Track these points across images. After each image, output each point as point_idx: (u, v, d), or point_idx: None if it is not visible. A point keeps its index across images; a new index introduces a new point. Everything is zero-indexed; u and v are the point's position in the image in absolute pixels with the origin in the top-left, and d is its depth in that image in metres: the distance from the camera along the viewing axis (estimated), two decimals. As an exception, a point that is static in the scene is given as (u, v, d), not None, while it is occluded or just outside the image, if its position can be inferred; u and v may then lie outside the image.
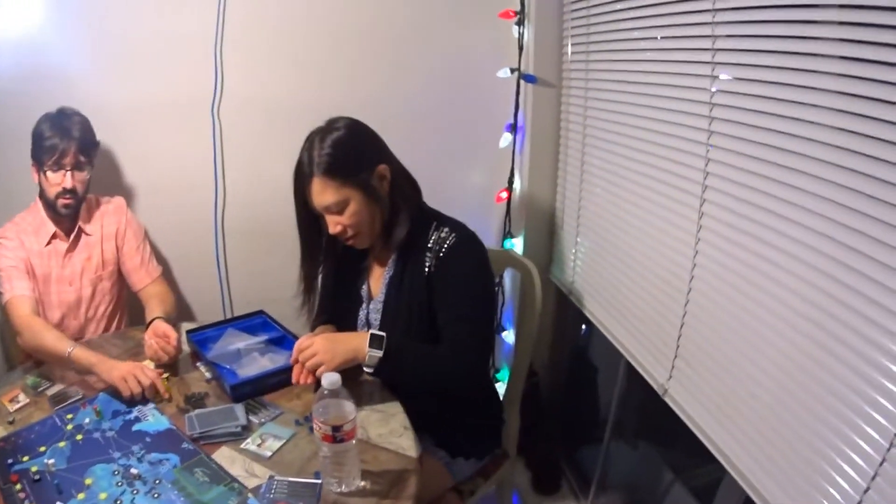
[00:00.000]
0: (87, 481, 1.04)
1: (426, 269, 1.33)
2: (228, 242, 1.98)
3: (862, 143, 0.85)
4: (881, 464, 0.82)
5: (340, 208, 1.26)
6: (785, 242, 1.02)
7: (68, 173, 1.52)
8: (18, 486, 1.03)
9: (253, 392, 1.31)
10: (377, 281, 1.43)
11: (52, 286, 1.61)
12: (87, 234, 1.65)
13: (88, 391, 1.32)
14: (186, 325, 1.59)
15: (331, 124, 1.28)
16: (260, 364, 1.41)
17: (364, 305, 1.44)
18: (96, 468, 1.08)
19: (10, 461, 1.10)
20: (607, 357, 1.82)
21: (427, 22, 1.91)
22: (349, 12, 1.85)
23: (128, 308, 1.79)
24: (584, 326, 2.06)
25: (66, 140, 1.50)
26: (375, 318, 1.42)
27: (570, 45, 1.86)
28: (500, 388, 1.90)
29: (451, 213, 1.43)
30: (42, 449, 1.13)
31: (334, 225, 1.28)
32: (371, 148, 1.31)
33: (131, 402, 1.28)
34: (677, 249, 1.33)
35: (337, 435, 0.99)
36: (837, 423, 0.90)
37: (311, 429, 1.18)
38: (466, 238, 1.35)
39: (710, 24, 1.17)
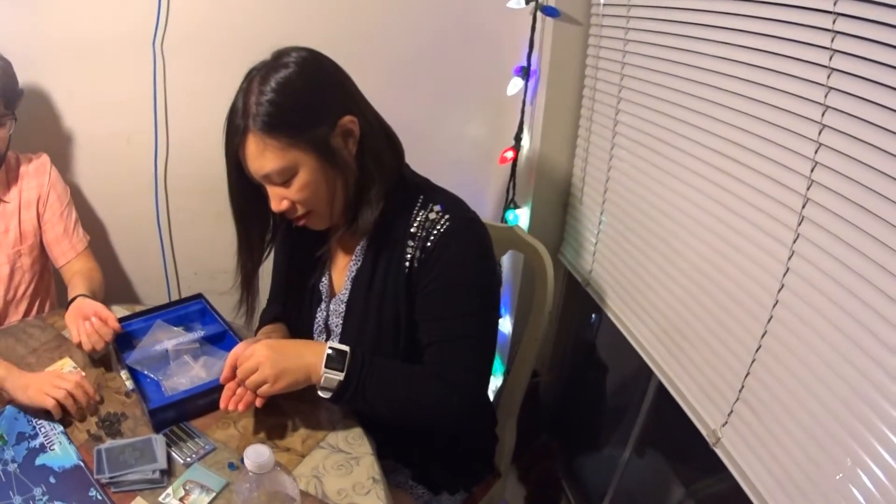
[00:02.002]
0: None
1: (407, 262, 1.00)
2: (171, 203, 1.64)
3: None
4: None
5: (286, 178, 0.92)
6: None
7: None
8: None
9: (178, 417, 1.01)
10: (340, 273, 1.10)
11: None
12: (4, 202, 1.33)
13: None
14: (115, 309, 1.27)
15: (278, 58, 0.92)
16: (191, 373, 1.11)
17: (323, 304, 1.12)
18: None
19: None
20: (628, 361, 1.53)
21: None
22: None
23: (53, 287, 1.50)
24: (593, 316, 1.78)
25: None
26: (336, 322, 1.10)
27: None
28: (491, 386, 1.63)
29: (439, 176, 1.09)
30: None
31: (278, 200, 0.95)
32: (332, 92, 0.94)
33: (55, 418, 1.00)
34: (758, 255, 1.00)
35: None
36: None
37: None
38: (465, 222, 1.00)
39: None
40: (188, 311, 1.27)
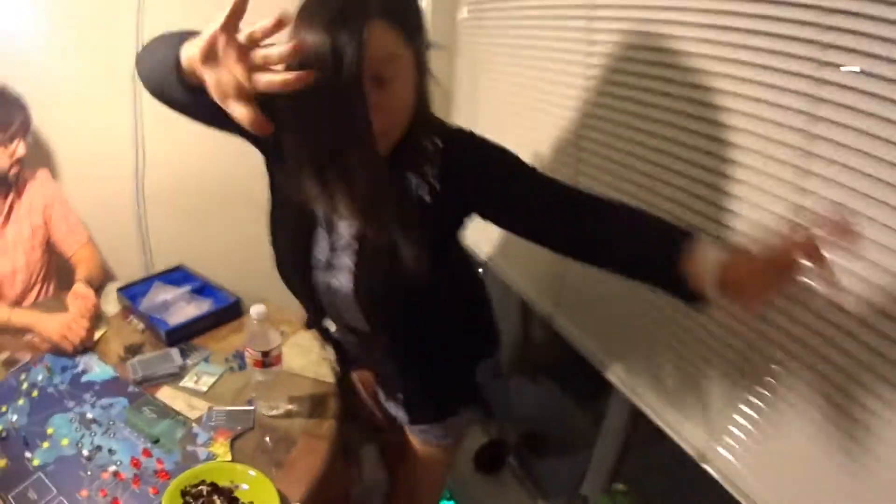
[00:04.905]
0: (49, 431, 1.23)
1: (419, 188, 0.96)
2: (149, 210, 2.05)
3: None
4: None
5: (391, 75, 0.84)
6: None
7: (22, 142, 1.62)
8: None
9: (185, 336, 1.51)
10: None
11: None
12: (18, 207, 1.73)
13: (35, 352, 1.47)
14: (116, 285, 1.74)
15: None
16: (187, 312, 1.60)
17: (321, 233, 1.07)
18: (55, 418, 1.27)
19: (-27, 423, 1.28)
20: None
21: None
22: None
23: (55, 273, 1.89)
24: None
25: (18, 111, 1.60)
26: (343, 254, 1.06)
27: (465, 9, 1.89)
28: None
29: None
30: (3, 409, 1.30)
31: (370, 104, 0.83)
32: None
33: (74, 353, 1.45)
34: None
35: (266, 360, 1.21)
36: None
37: (240, 365, 1.41)
38: (461, 132, 1.01)
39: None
40: (174, 276, 1.76)
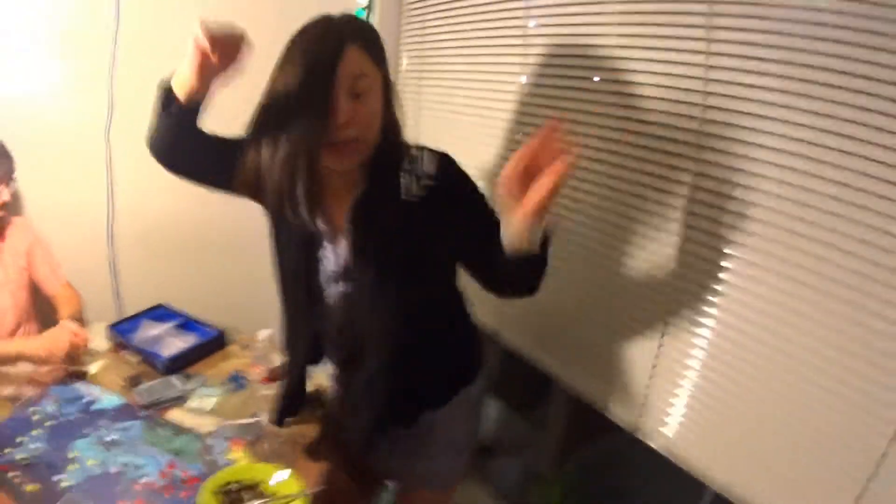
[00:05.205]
0: (73, 455, 1.36)
1: (403, 194, 1.12)
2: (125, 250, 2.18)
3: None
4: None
5: (364, 89, 1.05)
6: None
7: (6, 188, 1.73)
8: (12, 474, 1.30)
9: (180, 367, 1.68)
10: (340, 209, 1.17)
11: None
12: (2, 251, 1.83)
13: (39, 386, 1.58)
14: (103, 323, 1.86)
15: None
16: (177, 344, 1.77)
17: (328, 248, 1.20)
18: (76, 443, 1.39)
19: (-7, 454, 1.39)
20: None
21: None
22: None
23: (38, 315, 1.98)
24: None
25: (3, 158, 1.72)
26: (340, 259, 1.20)
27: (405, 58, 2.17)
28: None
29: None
30: (20, 440, 1.41)
31: (347, 111, 1.03)
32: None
33: (66, 367, 1.60)
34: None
35: (271, 376, 1.42)
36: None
37: (239, 385, 1.60)
38: (443, 154, 1.18)
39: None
40: (158, 313, 1.92)
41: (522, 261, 1.01)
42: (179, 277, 2.10)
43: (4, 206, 1.76)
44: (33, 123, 1.93)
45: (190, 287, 2.03)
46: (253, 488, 1.26)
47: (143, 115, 2.01)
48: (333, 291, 1.23)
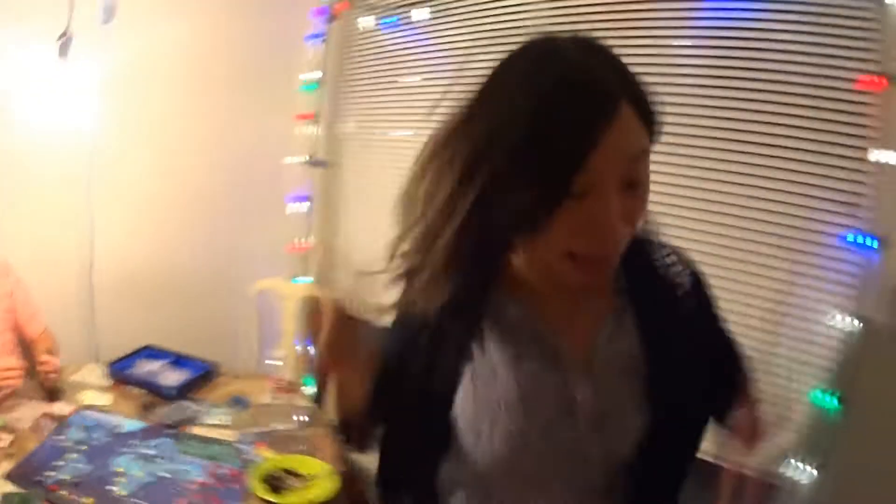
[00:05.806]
0: (119, 469, 1.57)
1: (666, 309, 0.83)
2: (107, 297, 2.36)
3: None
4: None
5: (643, 177, 0.69)
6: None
7: None
8: (63, 492, 1.47)
9: (187, 392, 1.93)
10: (581, 335, 0.81)
11: None
12: None
13: (53, 417, 1.75)
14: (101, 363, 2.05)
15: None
16: (175, 377, 2.01)
17: (561, 379, 0.79)
18: (119, 460, 1.60)
19: (38, 479, 1.53)
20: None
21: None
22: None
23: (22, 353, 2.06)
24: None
25: None
26: (585, 397, 0.79)
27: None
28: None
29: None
30: (59, 463, 1.58)
31: (618, 214, 0.66)
32: None
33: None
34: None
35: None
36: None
37: (242, 406, 1.90)
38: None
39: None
40: (148, 353, 2.14)
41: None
42: (158, 320, 2.30)
43: None
44: (13, 171, 2.11)
45: (168, 328, 2.26)
46: (291, 473, 1.59)
47: (122, 164, 2.28)
48: (588, 434, 0.82)
